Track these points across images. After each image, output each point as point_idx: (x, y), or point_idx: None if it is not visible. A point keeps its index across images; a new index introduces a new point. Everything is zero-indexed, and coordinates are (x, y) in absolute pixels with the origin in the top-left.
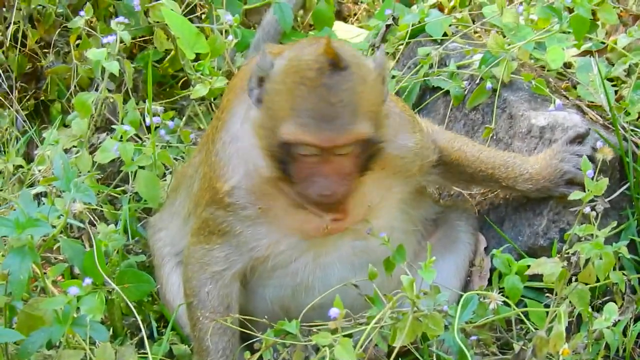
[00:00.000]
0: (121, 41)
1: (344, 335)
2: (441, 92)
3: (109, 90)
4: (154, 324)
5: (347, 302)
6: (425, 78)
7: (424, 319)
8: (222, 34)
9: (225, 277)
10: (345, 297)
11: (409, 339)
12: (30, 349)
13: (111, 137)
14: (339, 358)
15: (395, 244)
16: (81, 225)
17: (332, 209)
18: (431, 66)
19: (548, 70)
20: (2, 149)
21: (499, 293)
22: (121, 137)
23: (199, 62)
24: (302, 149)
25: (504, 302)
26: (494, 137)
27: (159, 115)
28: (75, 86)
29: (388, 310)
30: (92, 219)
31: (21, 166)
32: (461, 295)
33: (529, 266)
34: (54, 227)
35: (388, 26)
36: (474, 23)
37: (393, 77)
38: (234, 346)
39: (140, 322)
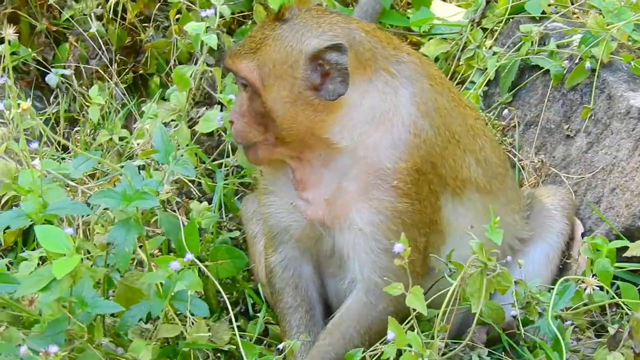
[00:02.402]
0: (221, 16)
1: None
2: (540, 71)
3: (208, 65)
4: (249, 301)
5: None
6: (526, 57)
7: (495, 277)
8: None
9: (284, 256)
10: None
11: (482, 298)
12: (130, 322)
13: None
14: (410, 306)
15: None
16: (178, 199)
17: (246, 154)
18: (531, 44)
19: None
20: (101, 121)
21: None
22: (222, 107)
23: None
24: None
25: (598, 286)
26: (592, 118)
27: None
28: (174, 60)
29: (465, 271)
30: (195, 192)
31: (121, 138)
32: (554, 284)
33: (626, 248)
34: None
35: (488, 2)
36: (572, 4)
37: (494, 53)
38: (310, 322)
39: (226, 300)
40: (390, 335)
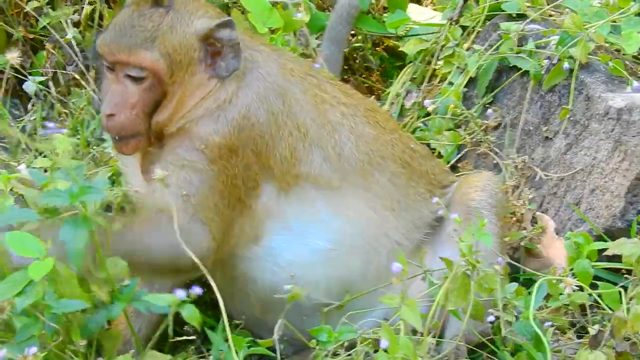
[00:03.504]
0: None
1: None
2: (518, 73)
3: None
4: None
5: None
6: (505, 54)
7: (479, 279)
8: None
9: None
10: None
11: (464, 300)
12: (93, 328)
13: None
14: (405, 320)
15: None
16: None
17: (118, 146)
18: (510, 46)
19: (623, 54)
20: (78, 128)
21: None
22: None
23: (272, 36)
24: (104, 61)
25: (579, 286)
26: (571, 119)
27: None
28: None
29: (454, 272)
30: None
31: (96, 145)
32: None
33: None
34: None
35: (465, 1)
36: (548, 4)
37: (475, 51)
38: None
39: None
40: (383, 343)
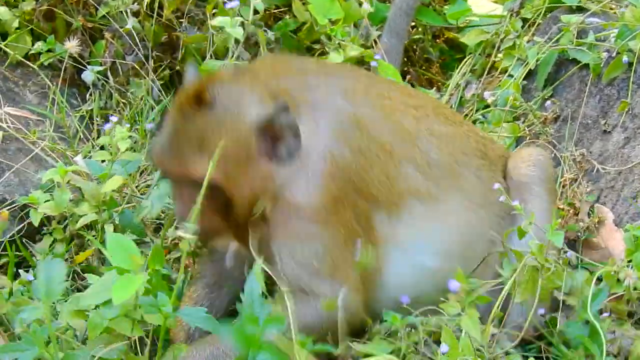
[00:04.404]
0: (256, 12)
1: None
2: (577, 66)
3: (244, 59)
4: None
5: None
6: (565, 47)
7: (549, 275)
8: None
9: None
10: None
11: (532, 294)
12: None
13: None
14: (465, 329)
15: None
16: None
17: (211, 243)
18: (572, 36)
19: None
20: (137, 118)
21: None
22: None
23: (333, 27)
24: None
25: (637, 278)
26: (630, 112)
27: None
28: (211, 56)
29: (522, 264)
30: None
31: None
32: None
33: None
34: None
35: None
36: None
37: (536, 43)
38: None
39: None
40: (443, 347)
